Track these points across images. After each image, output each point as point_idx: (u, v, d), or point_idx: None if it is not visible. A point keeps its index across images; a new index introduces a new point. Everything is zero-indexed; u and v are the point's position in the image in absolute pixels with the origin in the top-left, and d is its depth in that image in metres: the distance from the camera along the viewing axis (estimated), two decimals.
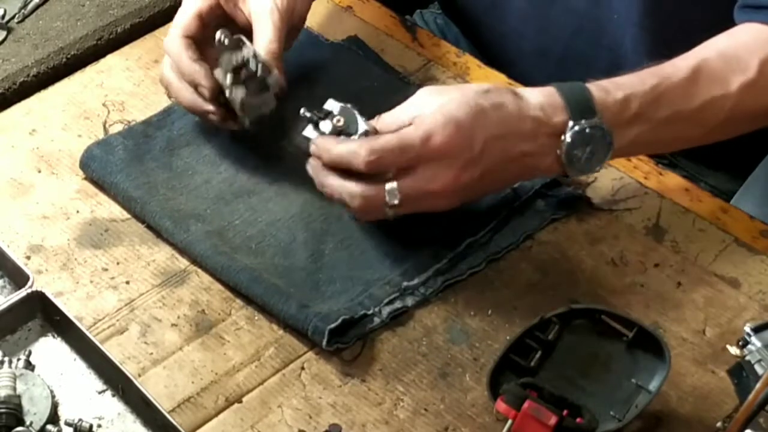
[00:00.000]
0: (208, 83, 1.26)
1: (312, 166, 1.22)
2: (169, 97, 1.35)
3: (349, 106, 1.21)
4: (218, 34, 1.25)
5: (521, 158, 1.20)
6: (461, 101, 1.17)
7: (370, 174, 1.17)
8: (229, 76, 1.24)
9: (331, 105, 1.21)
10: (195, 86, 1.27)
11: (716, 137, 1.28)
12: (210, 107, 1.28)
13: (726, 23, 1.29)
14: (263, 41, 1.28)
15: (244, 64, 1.24)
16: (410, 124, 1.18)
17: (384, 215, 1.19)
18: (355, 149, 1.17)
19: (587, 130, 1.19)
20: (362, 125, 1.19)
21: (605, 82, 1.22)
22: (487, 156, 1.18)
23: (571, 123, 1.19)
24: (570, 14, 1.45)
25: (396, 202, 1.17)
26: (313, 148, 1.20)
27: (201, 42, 1.30)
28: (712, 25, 1.29)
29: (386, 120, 1.20)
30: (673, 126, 1.24)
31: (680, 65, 1.24)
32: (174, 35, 1.29)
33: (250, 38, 1.28)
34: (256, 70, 1.24)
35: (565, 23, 1.46)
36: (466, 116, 1.16)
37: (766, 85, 1.25)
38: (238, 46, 1.25)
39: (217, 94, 1.27)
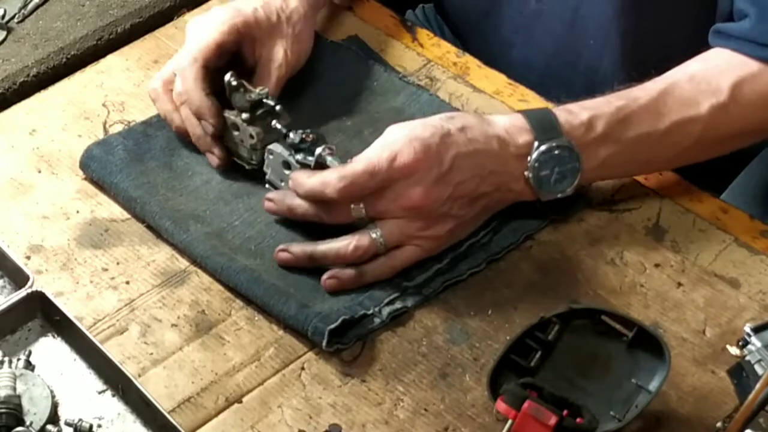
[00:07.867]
0: (215, 122, 1.27)
1: (276, 199, 1.23)
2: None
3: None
4: (227, 77, 1.26)
5: (491, 178, 1.21)
6: (426, 124, 1.20)
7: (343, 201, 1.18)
8: (244, 115, 1.26)
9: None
10: (199, 118, 1.28)
11: (688, 160, 1.29)
12: (216, 150, 1.29)
13: (703, 48, 1.29)
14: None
15: (260, 101, 1.25)
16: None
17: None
18: (326, 178, 1.17)
19: (553, 151, 1.21)
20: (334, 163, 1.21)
21: (570, 105, 1.24)
22: (457, 172, 1.19)
23: (536, 143, 1.21)
24: (548, 35, 1.46)
25: (381, 241, 1.18)
26: (290, 183, 1.21)
27: (212, 73, 1.30)
28: (690, 52, 1.29)
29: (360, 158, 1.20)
30: (643, 147, 1.25)
31: (650, 88, 1.25)
32: (192, 61, 1.28)
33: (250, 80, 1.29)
34: (274, 105, 1.25)
35: (545, 43, 1.46)
36: (432, 135, 1.18)
37: (736, 108, 1.25)
38: (243, 87, 1.26)
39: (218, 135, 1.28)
